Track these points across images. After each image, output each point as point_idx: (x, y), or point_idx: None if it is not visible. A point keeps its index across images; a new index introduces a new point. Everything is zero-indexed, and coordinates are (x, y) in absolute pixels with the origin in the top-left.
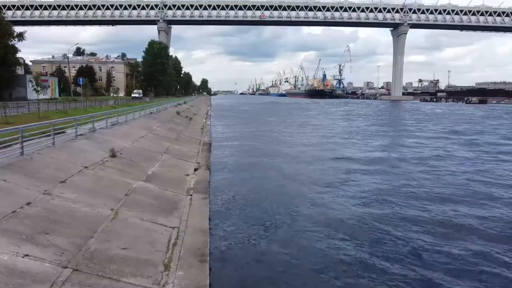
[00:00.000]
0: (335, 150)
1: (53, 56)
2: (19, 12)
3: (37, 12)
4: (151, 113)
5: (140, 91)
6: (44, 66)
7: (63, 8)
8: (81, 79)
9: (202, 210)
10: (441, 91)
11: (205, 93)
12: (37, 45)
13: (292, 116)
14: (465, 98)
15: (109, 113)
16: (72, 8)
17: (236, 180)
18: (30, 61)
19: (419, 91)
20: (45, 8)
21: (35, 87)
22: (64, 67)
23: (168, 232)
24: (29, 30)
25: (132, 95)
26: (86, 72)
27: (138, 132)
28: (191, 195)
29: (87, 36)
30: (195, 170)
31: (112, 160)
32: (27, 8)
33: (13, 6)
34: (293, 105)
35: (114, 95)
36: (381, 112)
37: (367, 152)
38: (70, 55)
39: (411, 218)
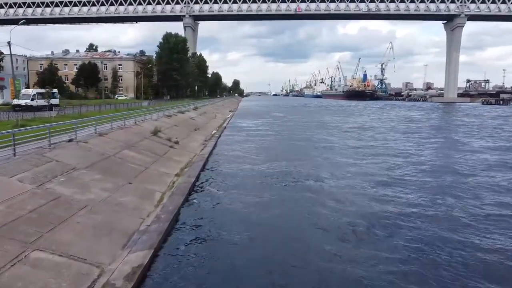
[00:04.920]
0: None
1: (52, 53)
2: (39, 10)
3: (57, 9)
4: (79, 141)
5: (56, 91)
6: (42, 64)
7: (84, 5)
8: None
9: None
10: (504, 92)
11: (236, 94)
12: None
13: (352, 128)
14: None
15: None
16: (94, 4)
17: None
18: (26, 57)
19: (475, 92)
20: (66, 5)
21: None
22: (65, 64)
23: None
24: (71, 33)
25: (14, 102)
26: (89, 70)
27: None
28: None
29: (126, 39)
30: None
31: None
32: (47, 5)
33: (33, 3)
34: (336, 108)
35: (120, 97)
36: (470, 122)
37: None
38: (73, 51)
39: None
